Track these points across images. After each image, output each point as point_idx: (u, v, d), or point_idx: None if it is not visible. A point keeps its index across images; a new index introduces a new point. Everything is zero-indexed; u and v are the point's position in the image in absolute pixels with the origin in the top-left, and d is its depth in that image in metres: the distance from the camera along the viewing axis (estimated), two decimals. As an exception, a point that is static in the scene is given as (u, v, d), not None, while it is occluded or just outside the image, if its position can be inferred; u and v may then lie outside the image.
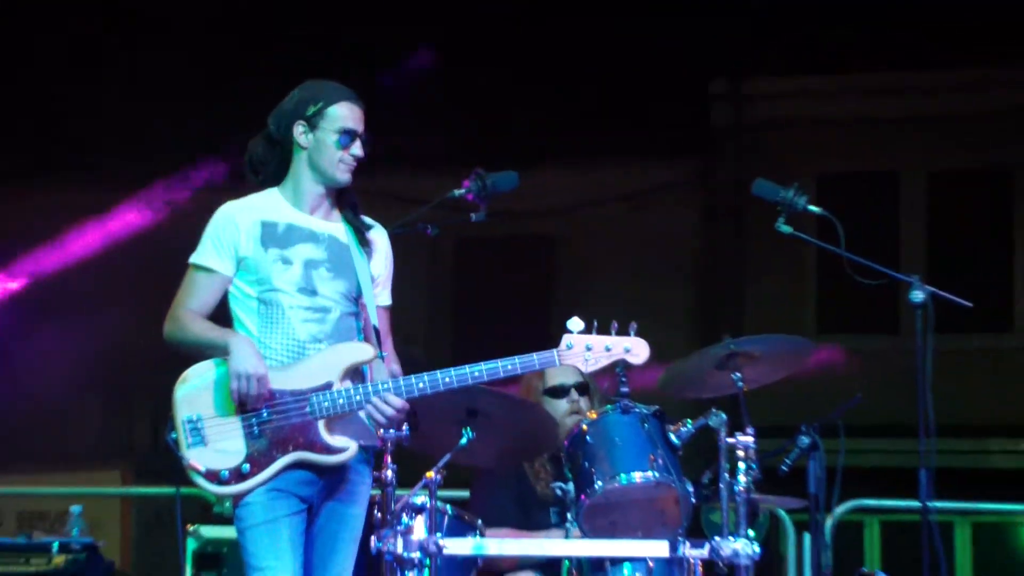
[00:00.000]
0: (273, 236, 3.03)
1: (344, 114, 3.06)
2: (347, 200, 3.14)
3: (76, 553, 4.80)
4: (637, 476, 3.27)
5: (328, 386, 2.95)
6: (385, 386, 2.96)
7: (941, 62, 10.36)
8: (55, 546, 4.76)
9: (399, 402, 2.95)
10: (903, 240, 10.37)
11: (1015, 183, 10.49)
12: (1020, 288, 10.40)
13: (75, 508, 5.15)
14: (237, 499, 2.97)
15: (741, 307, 10.41)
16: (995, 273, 10.22)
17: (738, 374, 3.36)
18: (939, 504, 3.41)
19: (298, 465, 2.93)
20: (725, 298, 10.39)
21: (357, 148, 3.07)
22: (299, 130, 3.05)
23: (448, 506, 3.39)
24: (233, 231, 3.04)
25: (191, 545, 5.14)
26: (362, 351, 3.03)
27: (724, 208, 10.45)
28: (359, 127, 3.08)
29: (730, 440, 3.15)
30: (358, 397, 2.95)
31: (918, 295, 3.32)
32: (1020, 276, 10.39)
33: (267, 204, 3.08)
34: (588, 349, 3.02)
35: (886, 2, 10.37)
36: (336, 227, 3.11)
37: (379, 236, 3.19)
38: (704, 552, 3.14)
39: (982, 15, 10.05)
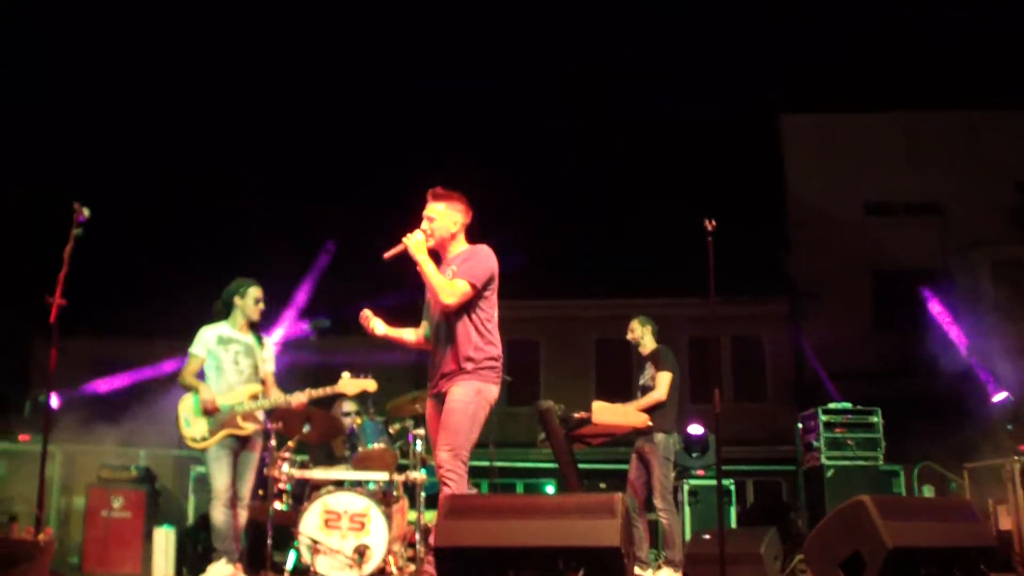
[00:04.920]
0: (223, 340, 7.24)
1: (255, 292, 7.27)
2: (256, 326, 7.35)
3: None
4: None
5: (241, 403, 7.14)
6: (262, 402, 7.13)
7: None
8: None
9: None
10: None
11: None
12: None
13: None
14: (203, 448, 7.03)
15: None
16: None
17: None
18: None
19: (228, 434, 7.06)
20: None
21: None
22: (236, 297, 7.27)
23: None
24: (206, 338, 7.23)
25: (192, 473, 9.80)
26: (256, 387, 7.21)
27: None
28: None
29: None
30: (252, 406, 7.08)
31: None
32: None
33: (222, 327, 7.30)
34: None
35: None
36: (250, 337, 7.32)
37: (267, 340, 7.42)
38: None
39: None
